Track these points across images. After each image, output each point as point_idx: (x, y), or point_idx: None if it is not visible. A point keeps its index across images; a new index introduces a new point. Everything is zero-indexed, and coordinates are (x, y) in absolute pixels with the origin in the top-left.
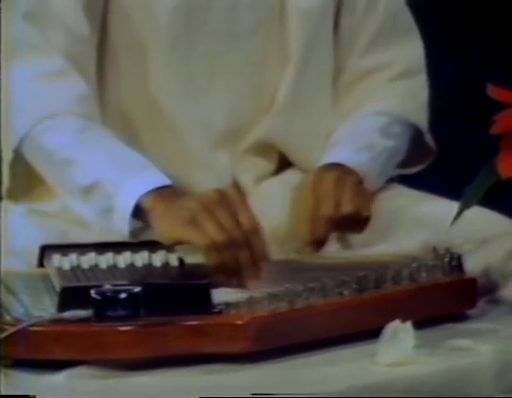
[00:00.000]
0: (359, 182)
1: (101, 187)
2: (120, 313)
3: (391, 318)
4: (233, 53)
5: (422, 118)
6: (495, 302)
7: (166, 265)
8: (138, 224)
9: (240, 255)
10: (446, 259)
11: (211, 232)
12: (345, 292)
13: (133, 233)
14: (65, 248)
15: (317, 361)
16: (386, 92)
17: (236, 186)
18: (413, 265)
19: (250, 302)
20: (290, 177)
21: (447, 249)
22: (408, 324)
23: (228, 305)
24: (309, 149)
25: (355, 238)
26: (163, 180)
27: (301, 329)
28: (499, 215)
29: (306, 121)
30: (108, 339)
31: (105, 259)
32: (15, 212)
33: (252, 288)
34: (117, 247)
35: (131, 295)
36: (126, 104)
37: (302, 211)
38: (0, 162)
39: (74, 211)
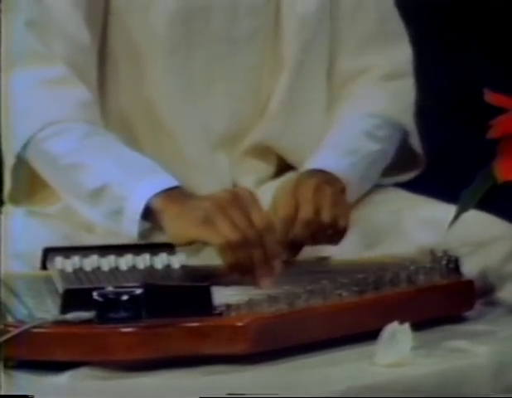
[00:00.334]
0: (341, 190)
1: (110, 190)
2: (122, 314)
3: (389, 320)
4: (231, 58)
5: (410, 121)
6: (492, 304)
7: (167, 268)
8: (147, 225)
9: (254, 254)
10: (444, 262)
11: (226, 231)
12: (345, 294)
13: (142, 234)
14: (67, 250)
15: (317, 362)
16: (376, 93)
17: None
18: (411, 268)
19: (250, 304)
20: None
21: (445, 252)
22: (406, 326)
23: (228, 307)
24: (304, 152)
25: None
26: (171, 181)
27: (301, 331)
28: (496, 218)
29: (302, 125)
30: (111, 341)
31: (107, 262)
32: (17, 215)
33: (265, 287)
34: (119, 250)
35: (133, 297)
36: (126, 110)
37: (280, 213)
38: (2, 166)
39: (76, 214)
